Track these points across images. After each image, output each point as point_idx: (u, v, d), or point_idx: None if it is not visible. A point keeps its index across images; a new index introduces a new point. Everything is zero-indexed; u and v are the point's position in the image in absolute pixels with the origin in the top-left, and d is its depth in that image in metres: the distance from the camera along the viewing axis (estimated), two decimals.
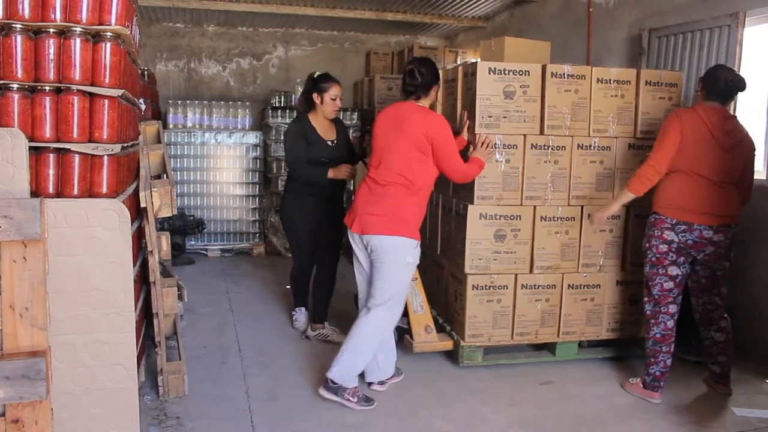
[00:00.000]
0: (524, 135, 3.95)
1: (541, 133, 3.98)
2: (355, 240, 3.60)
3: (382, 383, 3.74)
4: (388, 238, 3.44)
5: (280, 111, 7.78)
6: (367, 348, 3.52)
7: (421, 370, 4.00)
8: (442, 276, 4.46)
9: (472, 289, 3.98)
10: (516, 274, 4.03)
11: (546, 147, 3.97)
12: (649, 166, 3.57)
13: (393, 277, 3.50)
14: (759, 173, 4.30)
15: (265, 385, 3.77)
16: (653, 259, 3.65)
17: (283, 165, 7.79)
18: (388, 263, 3.47)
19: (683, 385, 3.88)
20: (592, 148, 4.05)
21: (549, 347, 4.24)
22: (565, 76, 3.96)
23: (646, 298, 3.75)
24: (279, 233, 7.57)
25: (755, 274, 4.30)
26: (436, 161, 3.54)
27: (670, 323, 3.66)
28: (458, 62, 6.86)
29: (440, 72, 3.76)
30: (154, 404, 3.45)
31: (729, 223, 3.55)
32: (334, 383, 3.49)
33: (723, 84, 3.52)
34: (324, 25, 8.82)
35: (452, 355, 4.16)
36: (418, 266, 4.19)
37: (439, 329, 4.22)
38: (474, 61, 4.05)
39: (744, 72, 4.48)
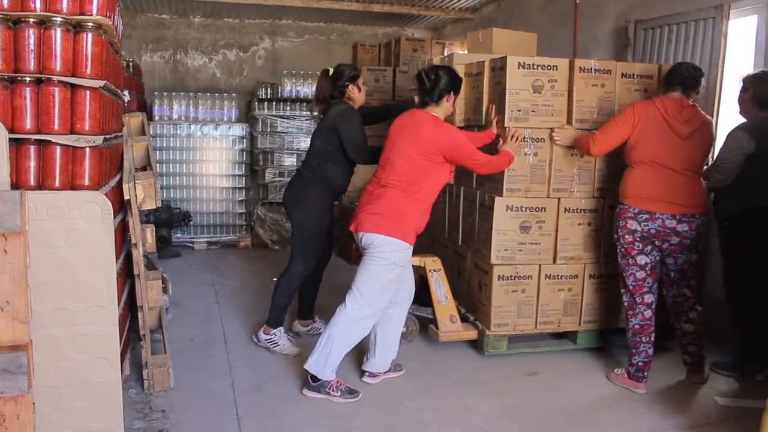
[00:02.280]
0: (551, 128, 4.00)
1: None
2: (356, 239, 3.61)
3: (374, 376, 3.74)
4: (377, 236, 3.44)
5: (266, 103, 7.76)
6: (341, 341, 3.49)
7: (441, 359, 4.02)
8: (464, 267, 4.50)
9: (498, 280, 4.05)
10: (540, 265, 4.11)
11: None
12: (587, 142, 3.72)
13: (372, 273, 3.47)
14: None
15: (251, 377, 3.77)
16: (622, 250, 3.69)
17: (270, 157, 7.79)
18: (373, 259, 3.46)
19: (667, 374, 3.90)
20: None
21: (569, 336, 4.30)
22: (593, 70, 4.00)
23: (622, 290, 3.78)
24: (266, 225, 7.55)
25: None
26: (458, 163, 3.61)
27: (648, 313, 3.68)
28: (445, 54, 6.84)
29: (462, 78, 3.76)
30: (139, 397, 3.43)
31: (693, 213, 3.56)
32: (315, 380, 3.49)
33: (680, 74, 3.57)
34: (311, 17, 8.76)
35: (476, 345, 4.21)
36: (441, 257, 4.28)
37: (462, 319, 4.27)
38: (501, 56, 4.02)
39: (728, 64, 4.52)
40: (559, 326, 4.21)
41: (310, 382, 3.51)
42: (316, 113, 4.22)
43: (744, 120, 3.84)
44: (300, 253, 4.16)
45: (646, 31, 5.15)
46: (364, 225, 3.49)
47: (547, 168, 4.03)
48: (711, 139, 3.70)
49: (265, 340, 4.19)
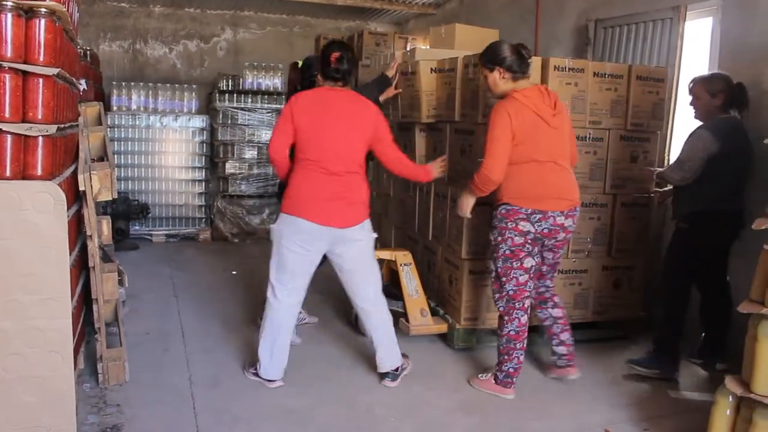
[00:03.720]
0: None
1: None
2: (318, 234, 3.40)
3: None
4: (366, 222, 3.54)
5: (227, 95, 7.65)
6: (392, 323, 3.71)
7: (408, 353, 3.98)
8: (434, 261, 4.53)
9: (469, 274, 4.09)
10: None
11: None
12: (484, 176, 3.39)
13: (373, 255, 3.67)
14: None
15: (208, 371, 3.73)
16: (507, 252, 3.46)
17: (230, 149, 7.69)
18: (368, 246, 3.60)
19: (620, 367, 3.96)
20: (587, 139, 4.14)
21: (538, 330, 4.23)
22: (567, 69, 4.03)
23: (497, 295, 3.57)
24: (226, 219, 7.47)
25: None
26: (382, 149, 3.58)
27: (524, 319, 3.51)
28: (408, 49, 6.84)
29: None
30: (93, 392, 3.37)
31: (576, 207, 3.51)
32: (396, 370, 3.66)
33: (525, 58, 3.44)
34: (273, 9, 8.67)
35: (446, 338, 4.25)
36: (411, 252, 4.40)
37: (432, 313, 4.31)
38: (475, 53, 3.97)
39: (684, 64, 4.61)
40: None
41: (393, 373, 3.65)
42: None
43: (700, 123, 3.79)
44: None
45: (606, 30, 5.23)
46: (353, 218, 3.46)
47: None
48: (571, 126, 3.59)
49: None
